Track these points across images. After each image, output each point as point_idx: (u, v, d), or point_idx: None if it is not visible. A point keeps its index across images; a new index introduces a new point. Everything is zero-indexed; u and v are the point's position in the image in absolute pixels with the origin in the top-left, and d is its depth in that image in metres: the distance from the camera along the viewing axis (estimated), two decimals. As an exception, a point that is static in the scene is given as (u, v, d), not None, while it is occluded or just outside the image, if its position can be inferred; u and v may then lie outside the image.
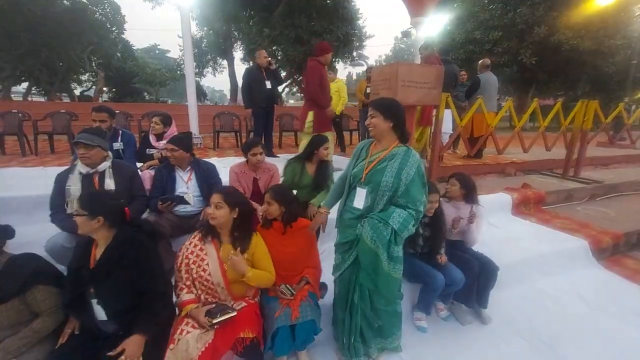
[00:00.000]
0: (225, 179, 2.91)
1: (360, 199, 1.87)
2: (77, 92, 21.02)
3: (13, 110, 5.67)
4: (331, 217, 2.20)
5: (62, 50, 15.30)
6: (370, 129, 1.90)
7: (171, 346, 1.60)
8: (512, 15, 14.02)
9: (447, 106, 4.07)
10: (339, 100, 6.03)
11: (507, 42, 14.34)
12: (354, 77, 44.68)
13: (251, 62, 16.90)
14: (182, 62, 20.83)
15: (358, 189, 1.89)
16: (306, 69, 4.30)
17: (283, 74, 17.70)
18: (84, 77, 20.57)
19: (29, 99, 17.43)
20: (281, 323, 1.85)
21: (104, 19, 16.96)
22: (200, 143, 6.97)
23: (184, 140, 2.66)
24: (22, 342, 1.55)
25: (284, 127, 7.39)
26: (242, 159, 2.93)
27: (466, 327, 2.48)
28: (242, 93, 5.49)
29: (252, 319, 1.80)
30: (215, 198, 1.86)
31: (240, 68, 19.14)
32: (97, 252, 1.69)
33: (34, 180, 3.53)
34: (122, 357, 1.48)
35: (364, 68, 19.05)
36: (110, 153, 2.49)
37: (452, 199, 2.70)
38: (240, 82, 18.64)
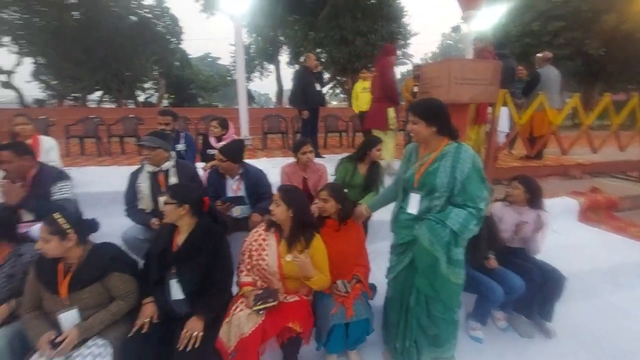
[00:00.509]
0: (274, 178, 2.98)
1: (414, 204, 1.79)
2: (141, 99, 22.98)
3: (91, 116, 6.35)
4: (382, 218, 2.17)
5: (129, 61, 16.81)
6: (412, 135, 1.80)
7: (227, 319, 1.77)
8: (577, 4, 12.76)
9: (504, 103, 3.81)
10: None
11: (571, 33, 13.07)
12: (398, 76, 43.75)
13: (297, 66, 17.31)
14: (232, 68, 21.93)
15: (411, 194, 1.81)
16: (380, 67, 4.33)
17: (327, 75, 17.85)
18: (147, 85, 22.46)
19: (102, 106, 19.44)
20: (337, 320, 1.85)
21: (164, 31, 18.33)
22: (250, 144, 7.25)
23: (233, 151, 2.68)
24: (100, 321, 1.70)
25: (329, 128, 7.43)
26: (289, 159, 2.99)
27: (526, 339, 2.30)
28: (294, 95, 5.55)
29: (302, 314, 1.83)
30: (275, 196, 1.97)
31: (285, 72, 19.63)
32: (179, 238, 1.90)
33: (109, 178, 3.90)
34: (185, 330, 1.67)
35: (409, 66, 18.54)
36: (172, 153, 2.69)
37: (514, 203, 2.49)
38: (285, 85, 19.26)
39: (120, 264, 1.82)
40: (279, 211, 1.92)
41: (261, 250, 1.95)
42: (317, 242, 1.98)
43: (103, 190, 3.45)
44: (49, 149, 3.24)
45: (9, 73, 15.95)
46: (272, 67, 21.16)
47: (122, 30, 15.36)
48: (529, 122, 4.85)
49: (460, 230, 1.62)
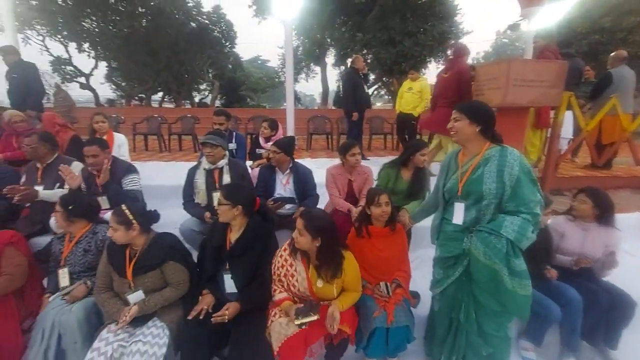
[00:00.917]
0: (318, 179, 3.01)
1: (459, 214, 1.69)
2: (196, 99, 24.49)
3: (154, 115, 6.89)
4: (426, 225, 2.09)
5: (188, 64, 17.99)
6: (452, 133, 1.70)
7: (268, 323, 1.80)
8: (658, -4, 11.28)
9: (569, 107, 3.48)
10: (420, 102, 5.41)
11: (649, 29, 11.60)
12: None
13: (342, 67, 17.30)
14: (280, 70, 22.52)
15: (456, 204, 1.71)
16: (458, 68, 3.89)
17: (372, 77, 17.64)
18: (202, 87, 23.90)
19: (163, 106, 21.04)
20: (379, 324, 1.83)
21: (220, 35, 19.36)
22: (295, 144, 7.39)
23: (286, 145, 2.82)
24: (154, 303, 1.85)
25: (373, 130, 7.34)
26: (334, 160, 2.99)
27: (587, 367, 2.09)
28: (344, 97, 5.54)
29: (348, 315, 1.81)
30: (299, 223, 1.78)
31: (330, 73, 19.69)
32: (232, 236, 2.00)
33: (168, 172, 4.20)
34: (224, 308, 1.80)
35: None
36: (227, 152, 2.83)
37: (580, 218, 2.26)
38: (330, 87, 19.40)
39: (176, 254, 1.96)
40: (303, 241, 1.76)
41: (290, 276, 1.85)
42: (348, 263, 1.85)
43: (164, 183, 3.73)
44: (120, 145, 3.58)
45: (87, 76, 17.88)
46: (318, 68, 21.37)
47: (183, 36, 16.47)
48: (597, 128, 4.39)
49: (518, 239, 1.49)
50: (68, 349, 1.83)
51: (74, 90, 16.70)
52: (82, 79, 17.87)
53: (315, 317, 1.70)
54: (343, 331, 1.74)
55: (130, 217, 1.83)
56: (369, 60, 14.94)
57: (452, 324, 1.81)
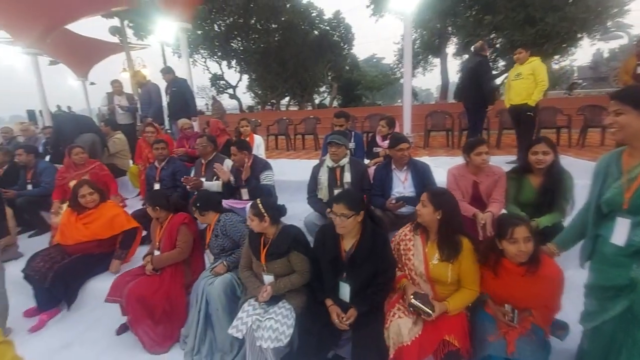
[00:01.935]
0: (437, 179, 2.80)
1: (621, 232, 1.31)
2: (317, 101, 26.25)
3: (283, 118, 7.71)
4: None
5: (311, 69, 19.41)
6: (613, 130, 1.31)
7: (386, 325, 1.76)
8: None
9: None
10: (534, 87, 4.21)
11: None
12: (605, 54, 33.02)
13: (465, 56, 15.62)
14: (395, 66, 21.92)
15: (618, 219, 1.34)
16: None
17: (502, 63, 15.33)
18: (321, 89, 25.48)
19: (289, 109, 23.36)
20: (494, 352, 1.57)
21: (339, 39, 20.18)
22: (412, 142, 7.08)
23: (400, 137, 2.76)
24: (284, 285, 2.04)
25: (504, 125, 6.37)
26: (454, 159, 2.72)
27: None
28: (466, 87, 4.93)
29: (458, 328, 1.67)
30: (423, 196, 1.84)
31: (451, 65, 18.03)
32: (345, 244, 1.98)
33: (294, 169, 4.63)
34: (345, 316, 1.83)
35: (624, 41, 13.60)
36: (348, 151, 2.92)
37: None
38: (449, 79, 17.80)
39: (300, 246, 2.10)
40: (425, 212, 1.79)
41: (407, 250, 1.88)
42: (465, 253, 1.76)
43: (290, 179, 4.11)
44: (258, 145, 4.14)
45: (234, 87, 21.38)
46: (436, 61, 19.96)
47: (307, 44, 17.83)
48: None
49: None
50: (212, 313, 2.21)
51: (225, 100, 20.25)
52: (230, 90, 21.49)
53: (428, 310, 1.66)
54: (451, 343, 1.58)
55: (263, 210, 2.06)
56: (498, 45, 13.05)
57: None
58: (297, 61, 18.09)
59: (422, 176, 2.71)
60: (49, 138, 5.41)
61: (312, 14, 18.45)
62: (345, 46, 20.75)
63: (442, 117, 6.91)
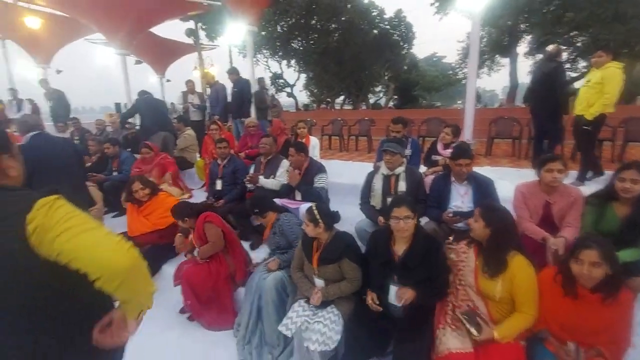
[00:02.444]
0: (501, 192, 2.59)
1: None
2: (371, 101, 25.86)
3: (338, 119, 7.73)
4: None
5: (368, 69, 19.19)
6: None
7: (440, 326, 1.80)
8: None
9: None
10: (598, 97, 3.52)
11: None
12: None
13: (538, 56, 14.17)
14: (457, 66, 20.71)
15: None
16: None
17: (582, 64, 13.65)
18: (377, 89, 25.05)
19: (343, 108, 23.36)
20: None
21: (399, 38, 19.62)
22: (473, 149, 6.63)
23: (465, 150, 2.57)
24: (333, 292, 2.07)
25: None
26: (519, 171, 2.48)
27: None
28: (543, 97, 4.37)
29: (512, 356, 1.57)
30: (476, 210, 1.87)
31: (522, 65, 16.51)
32: (398, 248, 2.00)
33: (347, 171, 4.60)
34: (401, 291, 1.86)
35: None
36: (405, 159, 2.84)
37: None
38: (517, 81, 16.26)
39: (352, 253, 2.12)
40: (477, 227, 1.80)
41: (460, 261, 1.89)
42: (519, 265, 1.69)
43: (342, 181, 4.12)
44: (314, 146, 4.22)
45: (292, 86, 22.00)
46: (504, 60, 18.46)
47: (367, 44, 17.63)
48: None
49: None
50: (263, 307, 2.33)
51: (282, 98, 20.91)
52: (288, 89, 22.17)
53: (474, 332, 1.64)
54: None
55: (318, 216, 2.11)
56: (579, 44, 11.62)
57: None
58: (356, 61, 17.99)
59: (484, 192, 2.52)
60: (129, 133, 6.10)
61: (373, 13, 18.18)
62: (405, 45, 20.13)
63: (508, 124, 6.37)
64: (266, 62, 20.76)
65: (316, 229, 2.11)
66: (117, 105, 14.81)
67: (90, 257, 0.80)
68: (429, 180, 3.06)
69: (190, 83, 6.28)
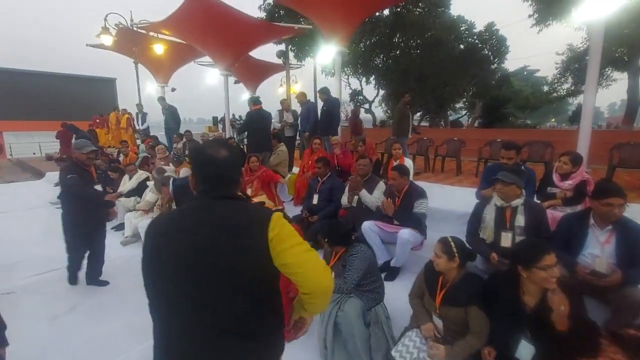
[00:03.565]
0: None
1: None
2: (451, 118, 24.41)
3: (424, 138, 7.43)
4: None
5: (451, 85, 18.19)
6: None
7: None
8: None
9: None
10: None
11: None
12: None
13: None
14: (556, 80, 18.28)
15: None
16: None
17: None
18: (457, 105, 23.57)
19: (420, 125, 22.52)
20: None
21: (488, 52, 18.23)
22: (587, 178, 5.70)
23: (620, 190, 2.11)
24: (461, 350, 1.81)
25: None
26: None
27: None
28: None
29: None
30: None
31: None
32: (528, 299, 1.72)
33: (438, 195, 4.26)
34: None
35: None
36: (524, 191, 2.55)
37: None
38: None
39: (481, 301, 1.84)
40: None
41: None
42: None
43: (434, 206, 3.80)
44: (409, 168, 4.09)
45: (370, 102, 22.08)
46: (615, 75, 15.83)
47: (452, 59, 16.82)
48: None
49: None
50: (348, 340, 2.10)
51: (360, 114, 21.08)
52: (366, 105, 22.31)
53: None
54: None
55: (455, 249, 1.90)
56: None
57: None
58: (438, 77, 17.26)
59: (633, 242, 2.06)
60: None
61: (461, 28, 17.34)
62: (496, 60, 18.61)
63: (637, 151, 5.34)
64: (347, 79, 21.29)
65: (449, 264, 1.90)
66: (215, 118, 16.67)
67: (309, 275, 0.99)
68: (549, 215, 2.70)
69: (285, 102, 6.72)
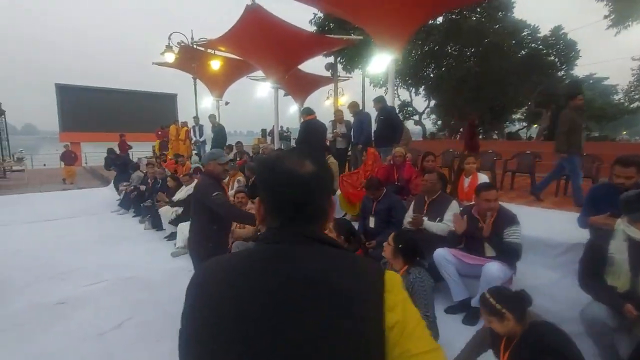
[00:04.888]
0: None
1: None
2: (507, 130, 22.40)
3: (489, 151, 6.61)
4: None
5: (511, 94, 16.62)
6: None
7: None
8: None
9: None
10: None
11: None
12: None
13: None
14: (632, 89, 15.97)
15: None
16: None
17: None
18: (515, 116, 21.56)
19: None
20: None
21: (555, 58, 16.46)
22: None
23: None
24: None
25: None
26: None
27: None
28: None
29: None
30: None
31: None
32: None
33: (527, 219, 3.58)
34: None
35: None
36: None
37: None
38: None
39: (560, 356, 1.39)
40: None
41: None
42: None
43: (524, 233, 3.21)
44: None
45: (420, 114, 21.12)
46: None
47: (512, 67, 15.44)
48: None
49: None
50: None
51: (409, 126, 20.20)
52: (416, 117, 21.38)
53: None
54: None
55: (499, 306, 1.52)
56: None
57: None
58: (497, 85, 15.89)
59: None
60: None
61: (523, 33, 15.93)
62: (564, 67, 16.76)
63: None
64: (395, 90, 20.67)
65: (504, 324, 1.51)
66: (264, 130, 17.01)
67: None
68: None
69: (338, 113, 6.43)
